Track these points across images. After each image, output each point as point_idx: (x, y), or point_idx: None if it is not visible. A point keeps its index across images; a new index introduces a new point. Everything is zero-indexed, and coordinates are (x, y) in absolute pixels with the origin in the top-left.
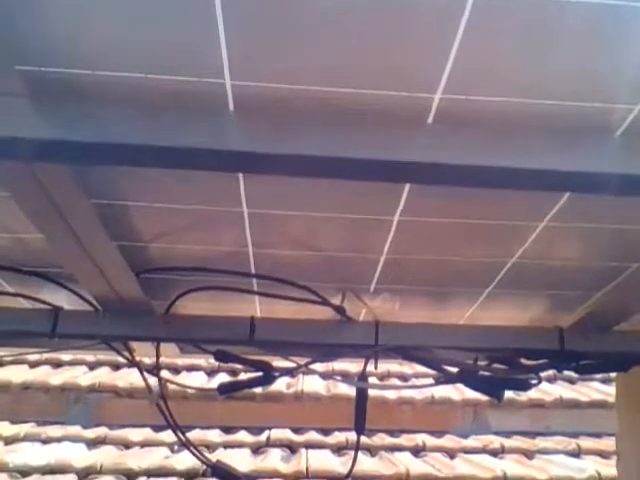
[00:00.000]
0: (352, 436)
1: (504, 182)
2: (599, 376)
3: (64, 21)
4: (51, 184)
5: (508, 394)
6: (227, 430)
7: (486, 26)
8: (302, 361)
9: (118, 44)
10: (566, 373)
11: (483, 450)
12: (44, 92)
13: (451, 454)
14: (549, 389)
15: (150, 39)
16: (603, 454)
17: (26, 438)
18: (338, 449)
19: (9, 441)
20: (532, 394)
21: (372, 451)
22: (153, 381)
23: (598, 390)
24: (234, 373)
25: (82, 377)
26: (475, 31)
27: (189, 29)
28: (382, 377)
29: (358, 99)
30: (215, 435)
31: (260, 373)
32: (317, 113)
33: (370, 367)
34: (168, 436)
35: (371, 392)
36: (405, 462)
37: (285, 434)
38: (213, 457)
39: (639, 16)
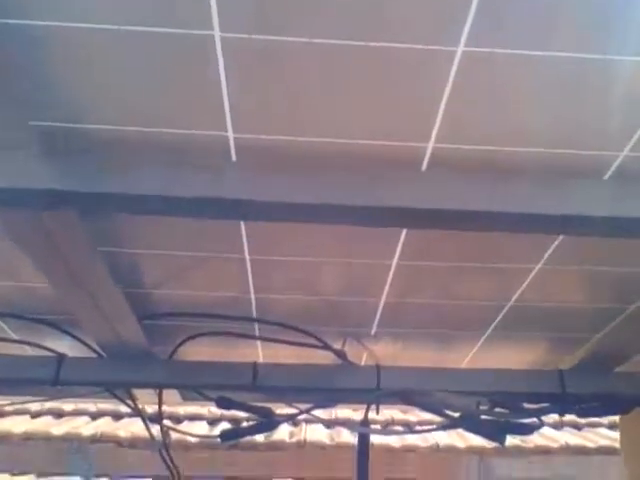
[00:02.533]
0: None
1: (497, 226)
2: (606, 422)
3: (76, 83)
4: (59, 232)
5: (514, 441)
6: None
7: (472, 81)
8: (304, 407)
9: (123, 102)
10: (572, 419)
11: None
12: (53, 145)
13: None
14: (555, 435)
15: (156, 101)
16: None
17: None
18: None
19: None
20: (538, 440)
21: None
22: (155, 430)
23: (606, 436)
24: (236, 422)
25: (84, 427)
26: (462, 86)
27: (194, 99)
28: (386, 425)
29: (354, 149)
30: None
31: (262, 420)
32: (317, 162)
33: (374, 415)
34: None
35: (375, 440)
36: None
37: None
38: None
39: (620, 69)
